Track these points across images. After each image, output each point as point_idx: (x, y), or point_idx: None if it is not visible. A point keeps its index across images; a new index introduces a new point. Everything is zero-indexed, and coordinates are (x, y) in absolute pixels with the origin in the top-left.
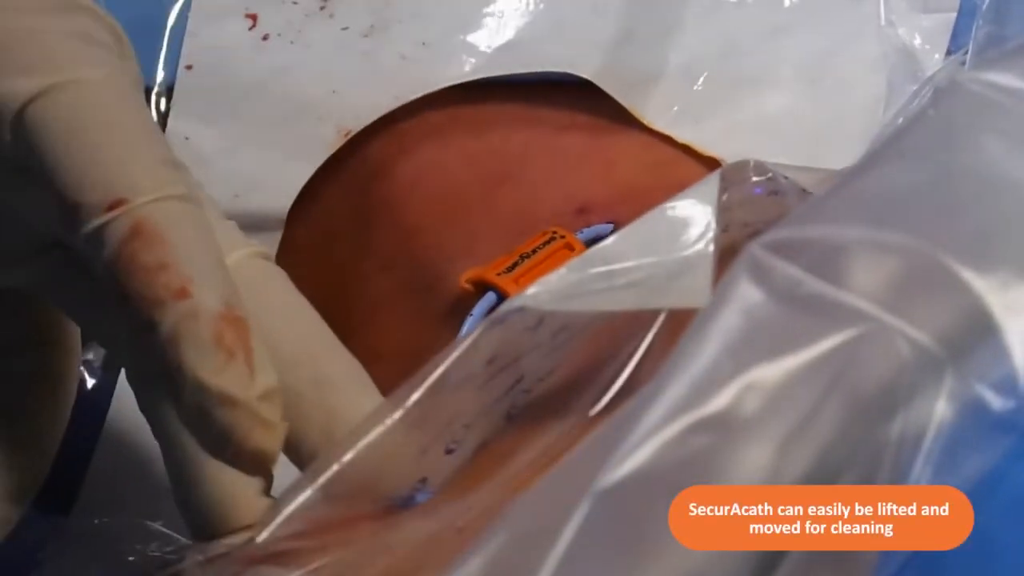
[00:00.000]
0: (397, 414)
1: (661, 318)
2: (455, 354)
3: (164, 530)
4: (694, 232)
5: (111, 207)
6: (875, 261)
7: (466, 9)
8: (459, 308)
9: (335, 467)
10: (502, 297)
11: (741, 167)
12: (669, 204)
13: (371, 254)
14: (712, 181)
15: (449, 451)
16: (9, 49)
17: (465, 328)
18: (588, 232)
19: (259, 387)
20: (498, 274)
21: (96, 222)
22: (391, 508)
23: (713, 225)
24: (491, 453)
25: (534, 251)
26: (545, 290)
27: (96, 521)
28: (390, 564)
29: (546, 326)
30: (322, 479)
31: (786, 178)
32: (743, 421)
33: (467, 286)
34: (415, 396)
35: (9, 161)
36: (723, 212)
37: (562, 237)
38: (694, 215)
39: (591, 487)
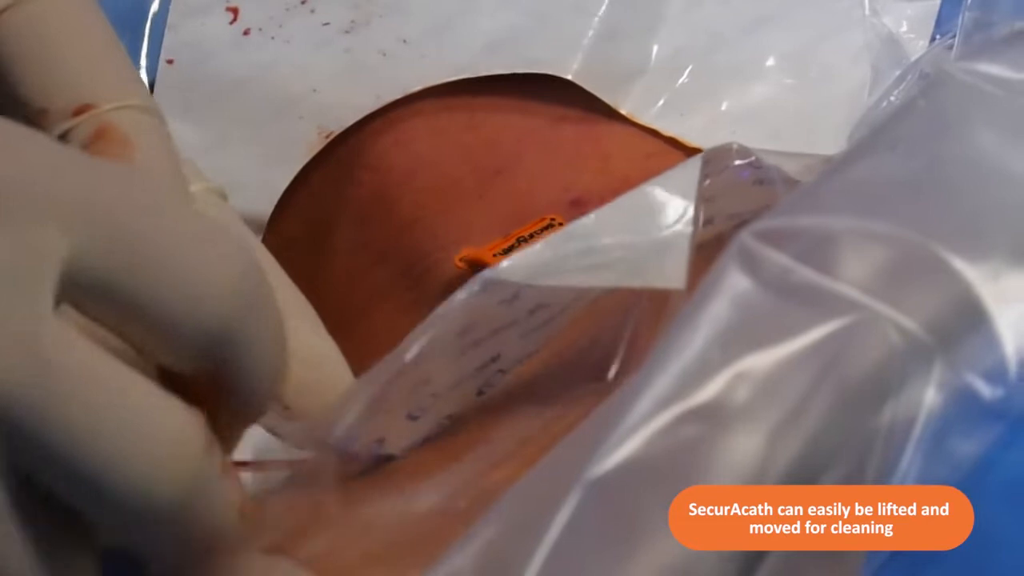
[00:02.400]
0: (369, 391)
1: (637, 309)
2: (429, 333)
3: None
4: (673, 213)
5: (77, 112)
6: (865, 250)
7: (446, 4)
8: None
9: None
10: None
11: (724, 151)
12: (649, 185)
13: (365, 246)
14: (694, 164)
15: (412, 417)
16: None
17: None
18: None
19: None
20: (494, 255)
21: (62, 126)
22: (352, 470)
23: (692, 207)
24: (466, 435)
25: (531, 236)
26: (521, 263)
27: None
28: (368, 548)
29: (522, 301)
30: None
31: (771, 166)
32: (733, 410)
33: (461, 264)
34: (386, 376)
35: None
36: (707, 203)
37: (560, 224)
38: (674, 197)
39: (581, 477)
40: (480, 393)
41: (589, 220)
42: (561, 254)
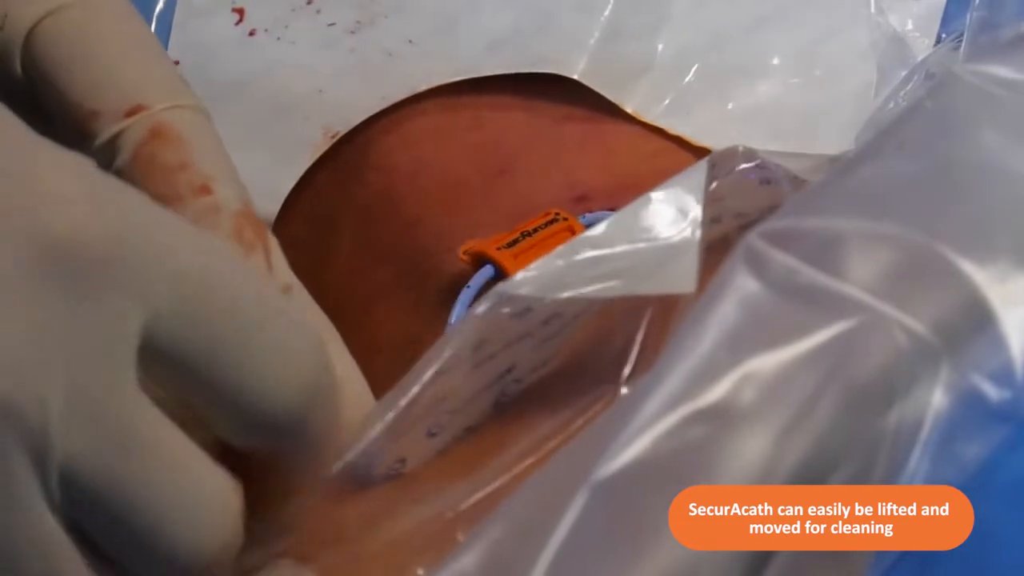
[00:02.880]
0: (390, 416)
1: (649, 312)
2: (446, 352)
3: None
4: (681, 219)
5: (129, 113)
6: (872, 252)
7: (451, 4)
8: (457, 295)
9: (337, 467)
10: (499, 271)
11: (730, 154)
12: (657, 191)
13: (370, 245)
14: (700, 168)
15: (431, 434)
16: None
17: (460, 300)
18: (590, 217)
19: (279, 281)
20: (498, 248)
21: (114, 128)
22: (371, 486)
23: (700, 212)
24: (480, 441)
25: (535, 230)
26: (533, 277)
27: None
28: (380, 555)
29: (535, 313)
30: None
31: (777, 166)
32: (740, 412)
33: (464, 258)
34: (410, 396)
35: (24, 95)
36: (714, 202)
37: (564, 219)
38: (682, 202)
39: (588, 478)
40: (496, 404)
41: (598, 230)
42: (572, 264)
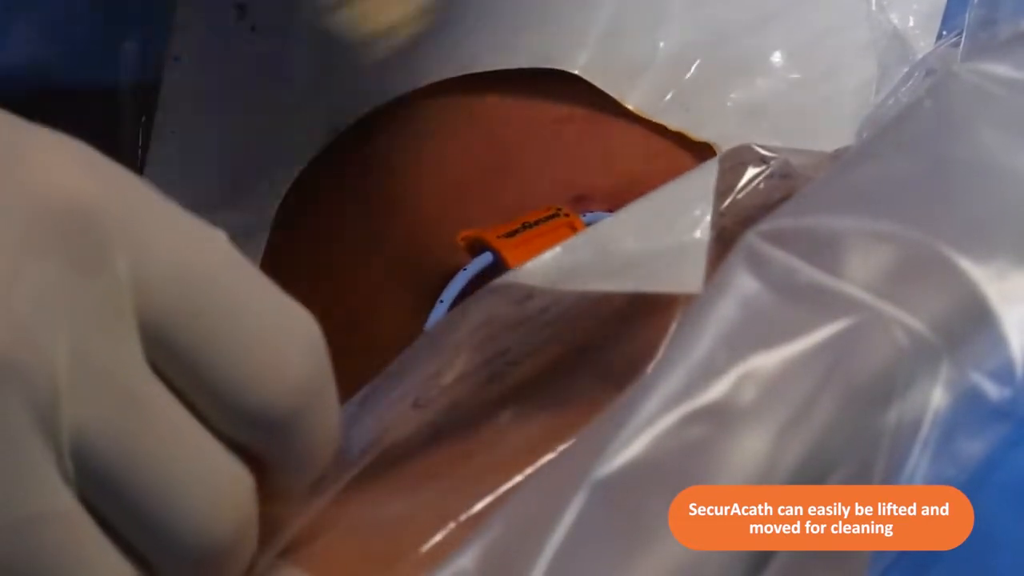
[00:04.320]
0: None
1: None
2: (448, 332)
3: None
4: (690, 218)
5: None
6: (871, 250)
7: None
8: None
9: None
10: (498, 259)
11: (738, 152)
12: (667, 188)
13: (370, 245)
14: (710, 167)
15: (417, 406)
16: None
17: (455, 281)
18: (591, 216)
19: None
20: (498, 237)
21: None
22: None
23: (710, 212)
24: (477, 435)
25: (536, 223)
26: (540, 267)
27: None
28: (374, 549)
29: (535, 301)
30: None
31: (780, 159)
32: (740, 411)
33: (462, 243)
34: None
35: None
36: (719, 197)
37: (566, 215)
38: (691, 201)
39: (588, 477)
40: (490, 381)
41: (607, 224)
42: (579, 258)
